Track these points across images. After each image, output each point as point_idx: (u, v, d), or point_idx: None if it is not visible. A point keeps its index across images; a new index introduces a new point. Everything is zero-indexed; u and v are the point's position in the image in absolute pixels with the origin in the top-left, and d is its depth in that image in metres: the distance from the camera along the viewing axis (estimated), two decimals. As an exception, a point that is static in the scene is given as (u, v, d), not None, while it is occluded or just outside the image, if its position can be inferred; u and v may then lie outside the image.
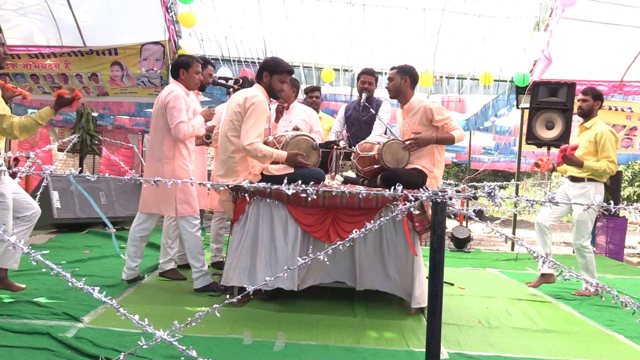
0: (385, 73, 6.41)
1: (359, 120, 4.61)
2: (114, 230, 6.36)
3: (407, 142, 3.60)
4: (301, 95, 5.27)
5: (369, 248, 3.46)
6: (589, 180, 4.23)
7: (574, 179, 4.33)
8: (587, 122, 4.34)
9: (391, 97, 3.95)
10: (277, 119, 4.24)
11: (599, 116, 4.40)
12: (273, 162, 3.59)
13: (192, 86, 3.92)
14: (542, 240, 4.35)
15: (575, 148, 4.11)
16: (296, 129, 4.04)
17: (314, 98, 5.07)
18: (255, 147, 3.29)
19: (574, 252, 4.64)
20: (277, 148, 3.52)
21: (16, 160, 7.87)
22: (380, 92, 5.51)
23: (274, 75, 3.53)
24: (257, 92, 3.48)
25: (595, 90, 4.38)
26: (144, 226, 3.88)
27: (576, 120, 5.13)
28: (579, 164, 4.11)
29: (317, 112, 5.04)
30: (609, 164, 4.11)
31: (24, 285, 3.38)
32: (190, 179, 2.37)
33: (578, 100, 4.40)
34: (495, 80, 7.58)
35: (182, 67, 3.83)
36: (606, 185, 4.40)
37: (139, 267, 3.98)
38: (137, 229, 3.88)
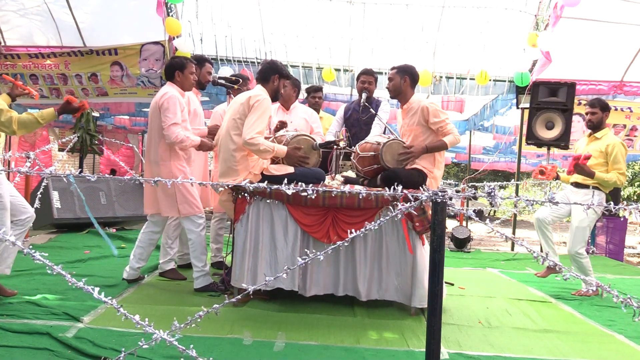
0: (385, 73, 6.43)
1: (360, 121, 4.60)
2: (107, 230, 6.35)
3: (403, 157, 3.59)
4: (302, 95, 5.27)
5: (368, 251, 3.44)
6: (594, 187, 4.20)
7: (578, 185, 4.29)
8: (597, 132, 4.31)
9: (391, 97, 3.95)
10: (276, 130, 4.22)
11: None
12: (273, 160, 3.60)
13: (187, 87, 3.91)
14: (543, 237, 4.34)
15: (588, 157, 4.08)
16: (282, 123, 4.06)
17: (316, 98, 5.06)
18: (257, 142, 3.30)
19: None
20: None
21: None
22: (381, 92, 5.51)
23: (282, 79, 3.65)
24: (260, 91, 3.52)
25: (602, 102, 4.34)
26: (152, 229, 3.91)
27: (574, 121, 5.11)
28: (590, 175, 4.08)
29: (319, 112, 5.05)
30: (619, 175, 4.10)
31: (15, 291, 3.38)
32: (190, 179, 2.37)
33: (586, 114, 4.35)
34: (494, 80, 7.58)
35: (177, 69, 3.82)
36: None
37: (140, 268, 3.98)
38: (146, 232, 3.91)
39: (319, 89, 5.18)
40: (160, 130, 3.68)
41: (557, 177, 4.43)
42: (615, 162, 4.13)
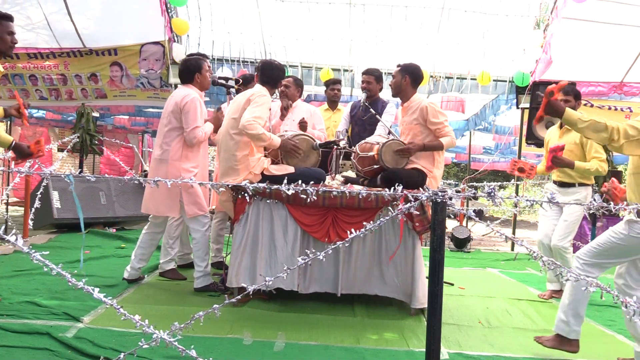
0: (386, 73, 6.43)
1: (362, 120, 4.63)
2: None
3: (401, 152, 3.59)
4: (319, 90, 5.28)
5: (368, 251, 3.45)
6: (580, 185, 4.06)
7: (562, 184, 4.13)
8: None
9: (393, 95, 3.95)
10: (282, 117, 4.29)
11: (592, 114, 4.24)
12: (273, 160, 3.62)
13: (206, 86, 3.95)
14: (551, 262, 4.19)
15: (562, 148, 3.83)
16: (303, 122, 4.11)
17: (335, 90, 5.15)
18: (255, 126, 3.32)
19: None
20: None
21: None
22: (384, 92, 5.53)
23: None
24: (260, 89, 3.56)
25: (575, 89, 4.12)
26: (154, 230, 3.92)
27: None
28: (570, 165, 3.84)
29: (337, 103, 5.18)
30: (600, 163, 3.85)
31: None
32: (191, 179, 2.37)
33: (560, 100, 4.20)
34: (495, 80, 7.58)
35: (196, 71, 3.83)
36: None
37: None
38: (148, 232, 3.92)
39: (338, 81, 5.26)
40: (176, 129, 3.72)
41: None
42: (593, 151, 3.88)
